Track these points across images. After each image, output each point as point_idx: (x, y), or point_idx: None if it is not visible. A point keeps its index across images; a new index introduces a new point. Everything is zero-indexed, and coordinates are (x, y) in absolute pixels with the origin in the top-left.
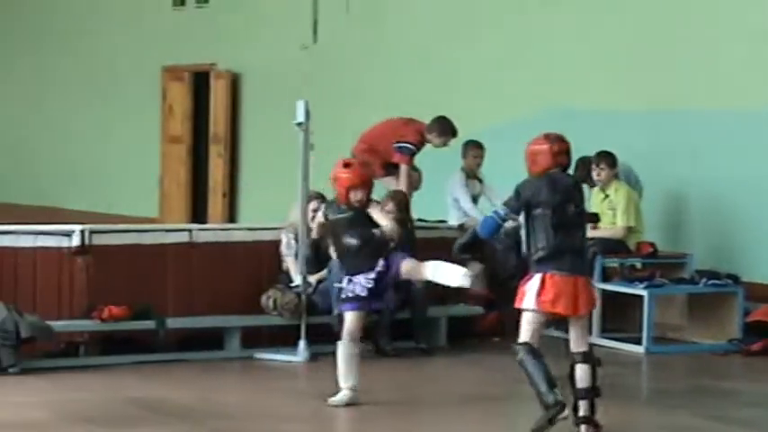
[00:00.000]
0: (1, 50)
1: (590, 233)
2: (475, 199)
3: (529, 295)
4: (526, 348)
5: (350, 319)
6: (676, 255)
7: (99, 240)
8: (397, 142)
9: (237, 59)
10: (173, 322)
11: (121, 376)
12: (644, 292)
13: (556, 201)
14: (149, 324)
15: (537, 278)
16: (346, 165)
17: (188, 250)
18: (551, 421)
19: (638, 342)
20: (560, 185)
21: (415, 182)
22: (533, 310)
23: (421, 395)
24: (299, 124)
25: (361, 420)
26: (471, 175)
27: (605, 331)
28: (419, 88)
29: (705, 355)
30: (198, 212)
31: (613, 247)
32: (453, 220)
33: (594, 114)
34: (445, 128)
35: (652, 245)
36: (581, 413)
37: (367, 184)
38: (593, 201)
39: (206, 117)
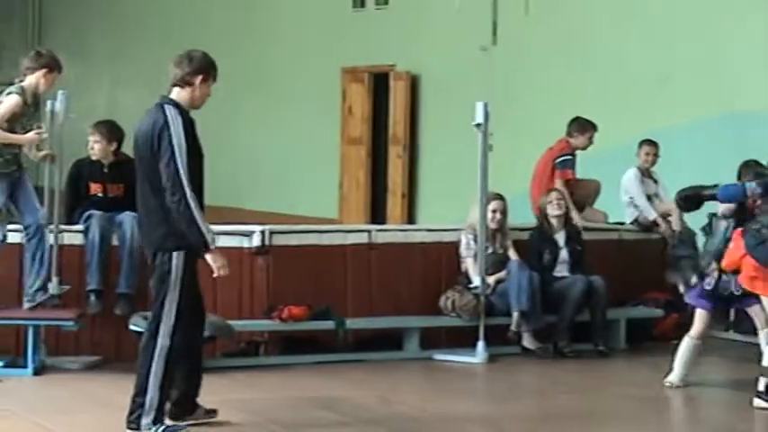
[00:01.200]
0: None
1: None
2: (650, 198)
3: None
4: None
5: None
6: None
7: (279, 241)
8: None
9: (417, 61)
10: (352, 323)
11: (301, 376)
12: None
13: None
14: (329, 324)
15: None
16: None
17: (367, 251)
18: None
19: None
20: None
21: (594, 190)
22: None
23: (598, 398)
24: (478, 125)
25: (540, 421)
26: (646, 173)
27: None
28: (598, 88)
29: None
30: (377, 213)
31: None
32: (629, 219)
33: None
34: (583, 124)
35: None
36: (760, 388)
37: None
38: None
39: (385, 118)
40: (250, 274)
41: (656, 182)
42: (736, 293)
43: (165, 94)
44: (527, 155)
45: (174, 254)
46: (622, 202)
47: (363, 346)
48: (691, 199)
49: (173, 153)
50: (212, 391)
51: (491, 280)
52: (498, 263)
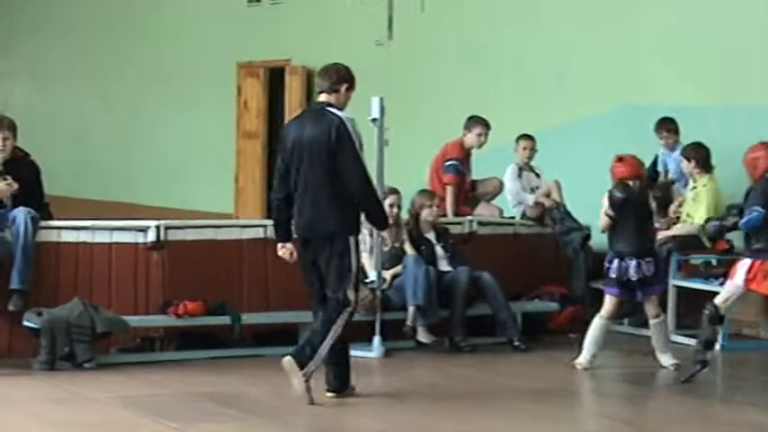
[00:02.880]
0: (75, 47)
1: (665, 231)
2: (533, 192)
3: (740, 273)
4: (712, 309)
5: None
6: None
7: (174, 236)
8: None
9: (312, 55)
10: (248, 318)
11: (197, 371)
12: (720, 289)
13: None
14: (224, 319)
15: (748, 262)
16: (620, 159)
17: (263, 246)
18: (693, 375)
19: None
20: None
21: (493, 187)
22: (737, 285)
23: (492, 391)
24: (374, 120)
25: (430, 414)
26: (526, 168)
27: (680, 328)
28: (493, 85)
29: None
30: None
31: (689, 243)
32: (518, 215)
33: (669, 111)
34: (473, 121)
35: (728, 241)
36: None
37: (640, 177)
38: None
39: (281, 113)
40: (146, 269)
41: (538, 175)
42: (633, 279)
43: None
44: (423, 149)
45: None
46: (507, 199)
47: (260, 341)
48: (720, 233)
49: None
50: (107, 388)
51: (387, 275)
52: (394, 257)
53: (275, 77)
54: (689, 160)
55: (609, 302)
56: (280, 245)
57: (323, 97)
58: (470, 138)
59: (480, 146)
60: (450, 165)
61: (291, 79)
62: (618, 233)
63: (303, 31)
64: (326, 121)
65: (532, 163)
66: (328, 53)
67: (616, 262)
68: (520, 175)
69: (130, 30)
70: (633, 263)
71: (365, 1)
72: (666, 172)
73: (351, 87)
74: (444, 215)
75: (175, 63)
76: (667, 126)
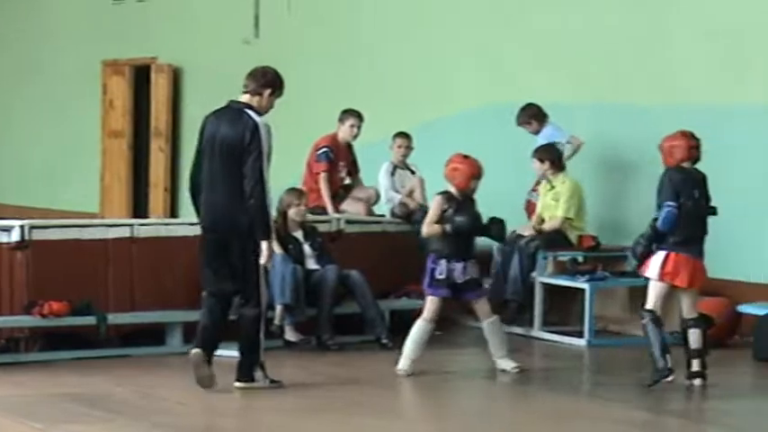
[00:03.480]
0: None
1: (528, 228)
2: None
3: (653, 267)
4: (651, 316)
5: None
6: (618, 248)
7: (39, 236)
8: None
9: (178, 53)
10: (114, 318)
11: (62, 372)
12: (586, 286)
13: (694, 193)
14: (90, 320)
15: (662, 254)
16: (465, 156)
17: (129, 245)
18: (657, 382)
19: (580, 335)
20: (695, 178)
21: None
22: (657, 280)
23: (357, 390)
24: None
25: (296, 412)
26: (401, 165)
27: (547, 324)
28: (361, 84)
29: (646, 348)
30: (139, 207)
31: (555, 240)
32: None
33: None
34: (343, 114)
35: (594, 238)
36: (694, 368)
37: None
38: (542, 192)
39: (147, 111)
40: (9, 269)
41: (413, 173)
42: (458, 282)
43: None
44: (292, 147)
45: None
46: (381, 196)
47: (126, 342)
48: (648, 251)
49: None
50: None
51: None
52: None
53: (141, 76)
54: (542, 162)
55: (432, 304)
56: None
57: (245, 98)
58: (344, 130)
59: (354, 137)
60: (321, 153)
61: (157, 77)
62: (444, 236)
63: (169, 29)
64: (242, 122)
65: (408, 161)
66: (195, 51)
67: (443, 264)
68: (393, 173)
69: None
70: (460, 265)
71: None
72: None
73: (274, 93)
74: (323, 209)
75: (41, 62)
76: (524, 116)
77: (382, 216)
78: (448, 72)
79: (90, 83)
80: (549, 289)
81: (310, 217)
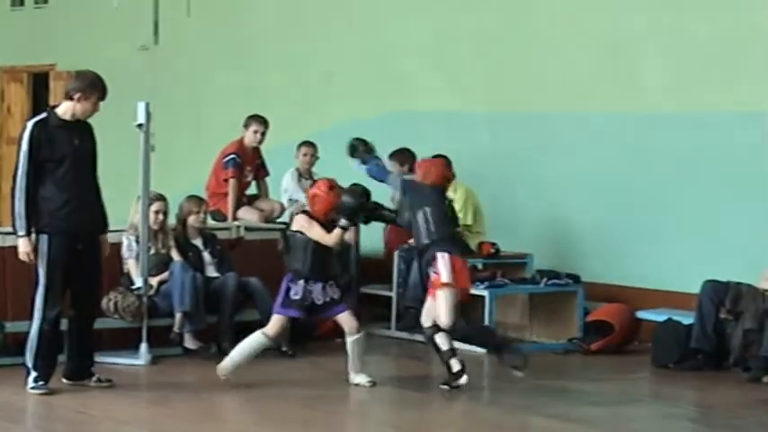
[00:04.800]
0: None
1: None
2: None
3: (445, 272)
4: (457, 328)
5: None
6: (517, 255)
7: None
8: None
9: (77, 60)
10: (12, 326)
11: None
12: (485, 293)
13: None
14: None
15: (446, 256)
16: (331, 187)
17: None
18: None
19: None
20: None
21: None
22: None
23: (260, 398)
24: (140, 126)
25: (200, 421)
26: (306, 174)
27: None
28: (260, 89)
29: (546, 354)
30: None
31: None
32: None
33: (434, 116)
34: (247, 119)
35: (494, 245)
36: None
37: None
38: None
39: None
40: None
41: (315, 181)
42: (318, 303)
43: None
44: (191, 155)
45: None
46: (283, 201)
47: (22, 350)
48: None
49: None
50: None
51: (154, 281)
52: (161, 264)
53: (39, 82)
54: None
55: (278, 322)
56: (24, 240)
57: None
58: (248, 135)
59: (258, 143)
60: (229, 160)
61: (56, 84)
62: (296, 255)
63: (68, 35)
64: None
65: (314, 169)
66: (94, 58)
67: (301, 284)
68: (299, 181)
69: None
70: (318, 286)
71: (129, 4)
72: None
73: (85, 98)
74: (224, 214)
75: None
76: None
77: (284, 224)
78: (344, 77)
79: None
80: None
81: (212, 223)
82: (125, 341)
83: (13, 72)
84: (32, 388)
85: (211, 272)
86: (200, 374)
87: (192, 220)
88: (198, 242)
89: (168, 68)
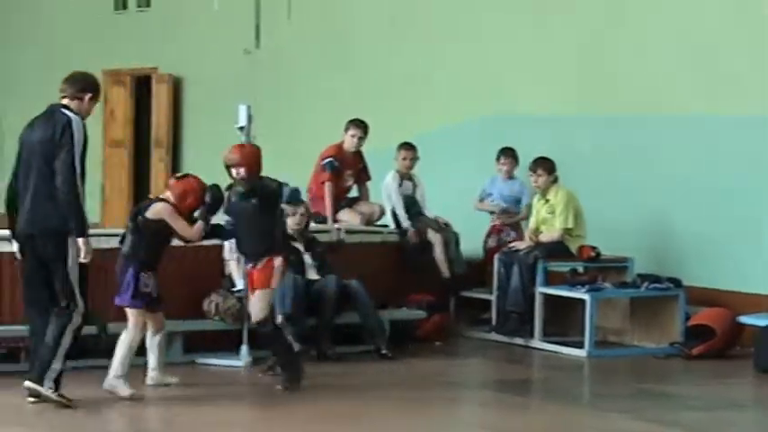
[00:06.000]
0: None
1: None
2: (412, 200)
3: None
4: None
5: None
6: (618, 259)
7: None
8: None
9: (179, 63)
10: (114, 327)
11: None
12: (586, 296)
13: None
14: (90, 329)
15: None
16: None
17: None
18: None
19: (580, 346)
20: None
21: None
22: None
23: (360, 399)
24: (241, 128)
25: (303, 424)
26: (405, 176)
27: (547, 335)
28: (360, 92)
29: (647, 359)
30: None
31: (555, 251)
32: (392, 224)
33: (534, 120)
34: (348, 123)
35: (594, 249)
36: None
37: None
38: (536, 207)
39: (148, 121)
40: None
41: (415, 186)
42: (154, 295)
43: None
44: (292, 157)
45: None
46: (385, 206)
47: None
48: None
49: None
50: None
51: None
52: None
53: (142, 86)
54: (547, 173)
55: (141, 316)
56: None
57: (65, 102)
58: (347, 139)
59: (357, 147)
60: (326, 163)
61: (159, 87)
62: (147, 245)
63: (170, 38)
64: (54, 119)
65: (413, 171)
66: (195, 61)
67: (150, 275)
68: (401, 184)
69: None
70: (153, 275)
71: (231, 7)
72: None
73: (95, 98)
74: (322, 218)
75: (42, 71)
76: (510, 155)
77: (384, 227)
78: (439, 82)
79: None
80: (549, 300)
81: (312, 226)
82: (226, 343)
83: (116, 75)
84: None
85: (312, 274)
86: None
87: (290, 222)
88: (299, 245)
89: (269, 71)
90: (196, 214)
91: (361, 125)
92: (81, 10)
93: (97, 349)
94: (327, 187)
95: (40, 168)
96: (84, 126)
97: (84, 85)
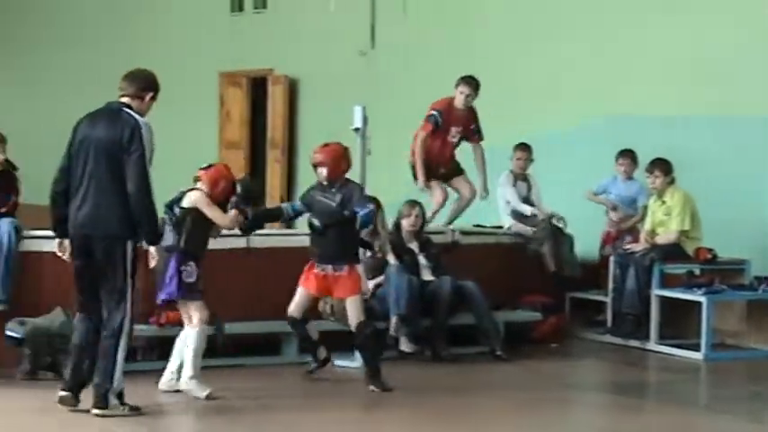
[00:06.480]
0: (62, 58)
1: (643, 240)
2: (527, 201)
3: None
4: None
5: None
6: (735, 261)
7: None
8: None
9: (295, 64)
10: (230, 327)
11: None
12: (703, 299)
13: None
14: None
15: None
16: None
17: (245, 255)
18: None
19: (697, 348)
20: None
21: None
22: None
23: (475, 401)
24: (357, 130)
25: (414, 424)
26: (520, 177)
27: (663, 338)
28: (484, 91)
29: (764, 362)
30: None
31: (672, 253)
32: (506, 223)
33: (652, 120)
34: (460, 78)
35: (711, 251)
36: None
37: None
38: (652, 208)
39: (263, 122)
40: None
41: (530, 186)
42: (199, 287)
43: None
44: (407, 158)
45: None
46: (499, 206)
47: (242, 351)
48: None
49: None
50: (90, 399)
51: (370, 284)
52: (377, 267)
53: (258, 87)
54: (664, 174)
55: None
56: (59, 242)
57: (125, 100)
58: (456, 96)
59: (465, 105)
60: (429, 116)
61: (274, 89)
62: (188, 235)
63: (286, 40)
64: (122, 120)
65: (528, 171)
66: (311, 62)
67: (193, 265)
68: (515, 184)
69: (115, 40)
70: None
71: (346, 8)
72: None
73: (155, 97)
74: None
75: (158, 73)
76: (628, 156)
77: (499, 227)
78: (558, 81)
79: (207, 94)
80: (665, 302)
81: (431, 226)
82: (341, 344)
83: (232, 77)
84: (131, 408)
85: (427, 275)
86: (414, 377)
87: (405, 223)
88: (414, 246)
89: (385, 73)
90: (230, 206)
91: (471, 82)
92: (198, 12)
93: (212, 349)
94: (420, 138)
95: (104, 169)
96: (151, 129)
97: (145, 84)
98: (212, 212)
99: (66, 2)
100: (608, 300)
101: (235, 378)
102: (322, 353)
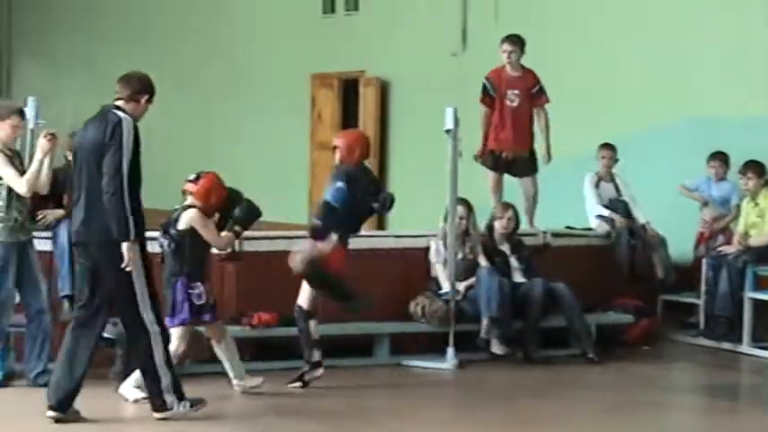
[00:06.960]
0: (152, 59)
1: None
2: (621, 203)
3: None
4: (299, 311)
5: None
6: None
7: (250, 247)
8: None
9: (386, 66)
10: (322, 329)
11: (272, 382)
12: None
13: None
14: (294, 330)
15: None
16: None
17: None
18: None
19: None
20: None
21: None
22: None
23: (567, 403)
24: (448, 131)
25: (509, 427)
26: (605, 178)
27: (756, 340)
28: (567, 92)
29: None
30: None
31: (765, 255)
32: (594, 224)
33: (736, 121)
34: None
35: None
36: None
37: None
38: (745, 210)
39: (355, 124)
40: (220, 280)
41: (617, 187)
42: (210, 303)
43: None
44: None
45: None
46: (586, 208)
47: (333, 353)
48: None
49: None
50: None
51: (461, 286)
52: (468, 269)
53: (349, 88)
54: (758, 176)
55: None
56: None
57: (119, 103)
58: (503, 58)
59: (512, 64)
60: (482, 87)
61: (366, 90)
62: (190, 256)
63: (377, 42)
64: (106, 120)
65: (615, 171)
66: (403, 64)
67: (200, 287)
68: (597, 185)
69: (206, 42)
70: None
71: (438, 11)
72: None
73: (151, 99)
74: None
75: (250, 74)
76: (720, 158)
77: (589, 230)
78: (644, 82)
79: (299, 95)
80: (758, 304)
81: (522, 228)
82: (432, 345)
83: (324, 78)
84: (192, 405)
85: (518, 277)
86: (506, 380)
87: (498, 225)
88: (505, 248)
89: (475, 75)
90: (227, 227)
91: (512, 39)
92: (291, 14)
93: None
94: (482, 113)
95: (94, 174)
96: (135, 128)
97: (140, 87)
98: (208, 234)
99: (172, 6)
100: (700, 302)
101: (327, 379)
102: (316, 355)
